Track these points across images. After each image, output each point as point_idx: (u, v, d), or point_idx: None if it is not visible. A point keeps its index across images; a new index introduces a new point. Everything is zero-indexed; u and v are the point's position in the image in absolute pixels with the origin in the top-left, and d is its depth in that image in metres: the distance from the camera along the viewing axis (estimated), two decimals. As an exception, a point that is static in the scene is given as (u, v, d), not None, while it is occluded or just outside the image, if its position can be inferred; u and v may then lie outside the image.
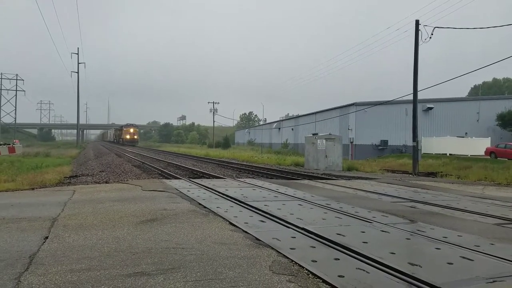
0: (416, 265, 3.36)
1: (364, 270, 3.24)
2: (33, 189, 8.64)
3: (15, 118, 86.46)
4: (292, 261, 3.42)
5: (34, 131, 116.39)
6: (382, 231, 4.76)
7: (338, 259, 3.55)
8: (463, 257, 3.66)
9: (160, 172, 14.33)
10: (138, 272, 3.10)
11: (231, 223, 4.96)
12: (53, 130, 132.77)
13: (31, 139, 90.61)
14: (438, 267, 3.38)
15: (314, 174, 14.19)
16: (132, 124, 70.55)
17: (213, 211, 5.78)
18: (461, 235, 4.57)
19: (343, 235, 4.38)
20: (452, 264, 3.46)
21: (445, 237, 4.40)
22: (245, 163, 20.47)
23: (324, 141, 19.17)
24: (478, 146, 32.27)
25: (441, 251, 3.88)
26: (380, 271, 3.21)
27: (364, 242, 4.11)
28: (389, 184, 11.02)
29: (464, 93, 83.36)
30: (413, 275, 3.08)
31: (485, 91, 74.43)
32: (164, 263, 3.33)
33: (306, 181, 11.21)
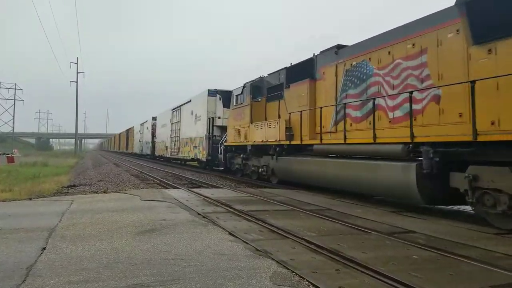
0: (416, 276, 3.34)
1: (364, 281, 3.22)
2: (30, 199, 8.59)
3: (13, 128, 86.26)
4: (293, 272, 3.40)
5: (32, 140, 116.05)
6: (381, 241, 4.74)
7: (339, 270, 3.53)
8: (463, 268, 3.64)
9: (158, 181, 14.28)
10: (137, 283, 3.07)
11: (230, 233, 4.93)
12: (51, 140, 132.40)
13: (29, 148, 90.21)
14: (439, 277, 3.37)
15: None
16: None
17: (212, 221, 5.75)
18: (461, 245, 4.54)
19: (343, 245, 4.36)
20: (452, 274, 3.44)
21: (446, 247, 4.35)
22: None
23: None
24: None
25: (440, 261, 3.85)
26: (381, 282, 3.20)
27: (364, 253, 4.09)
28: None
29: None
30: (413, 286, 3.07)
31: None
32: (164, 274, 3.30)
33: (303, 191, 11.16)
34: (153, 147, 33.76)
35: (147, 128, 36.74)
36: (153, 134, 34.15)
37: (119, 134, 66.39)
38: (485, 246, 4.46)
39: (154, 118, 34.12)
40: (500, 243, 4.74)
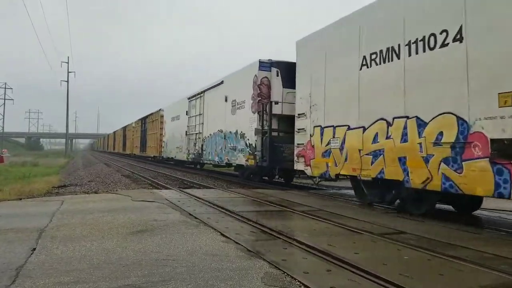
0: (407, 276, 3.37)
1: (355, 281, 3.24)
2: (20, 199, 8.49)
3: (3, 127, 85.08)
4: (284, 272, 3.40)
5: (22, 140, 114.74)
6: (373, 241, 4.77)
7: (330, 270, 3.55)
8: (453, 268, 3.68)
9: (150, 182, 14.21)
10: (127, 284, 3.05)
11: (222, 234, 4.92)
12: (41, 139, 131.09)
13: (19, 148, 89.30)
14: (429, 277, 3.40)
15: (304, 184, 14.22)
16: None
17: (203, 222, 5.74)
18: (451, 246, 4.59)
19: (334, 246, 4.38)
20: (442, 275, 3.48)
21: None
22: (236, 173, 20.41)
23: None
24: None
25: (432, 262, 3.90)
26: (372, 282, 3.22)
27: (356, 253, 4.11)
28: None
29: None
30: (404, 286, 3.09)
31: None
32: (155, 275, 3.28)
33: (296, 191, 11.20)
34: (272, 150, 11.43)
35: (226, 100, 14.24)
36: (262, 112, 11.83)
37: (124, 128, 45.81)
38: (474, 247, 4.50)
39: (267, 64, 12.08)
40: (490, 243, 4.80)
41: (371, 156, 7.37)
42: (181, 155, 20.41)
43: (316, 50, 9.43)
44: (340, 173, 8.38)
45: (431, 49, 6.20)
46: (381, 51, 7.24)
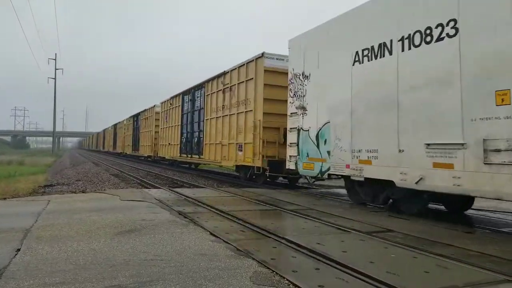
0: (394, 274, 3.40)
1: (343, 280, 3.26)
2: (5, 199, 8.34)
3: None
4: (273, 271, 3.41)
5: (8, 138, 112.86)
6: (361, 240, 4.81)
7: (318, 269, 3.57)
8: (439, 266, 3.73)
9: (139, 181, 14.12)
10: (115, 285, 3.02)
11: (211, 234, 4.91)
12: (27, 138, 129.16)
13: (4, 147, 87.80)
14: (416, 275, 3.44)
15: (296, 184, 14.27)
16: None
17: (193, 221, 5.71)
18: (437, 244, 4.65)
19: (323, 245, 4.40)
20: (428, 272, 3.52)
21: (423, 246, 4.44)
22: (230, 172, 20.38)
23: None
24: None
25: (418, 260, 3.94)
26: (359, 280, 3.24)
27: (344, 252, 4.14)
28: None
29: None
30: (391, 284, 3.12)
31: None
32: (142, 275, 3.26)
33: (286, 190, 11.23)
34: None
35: None
36: None
37: (134, 117, 32.06)
38: (460, 245, 4.57)
39: None
40: (475, 242, 4.87)
41: None
42: None
43: None
44: None
45: None
46: None
